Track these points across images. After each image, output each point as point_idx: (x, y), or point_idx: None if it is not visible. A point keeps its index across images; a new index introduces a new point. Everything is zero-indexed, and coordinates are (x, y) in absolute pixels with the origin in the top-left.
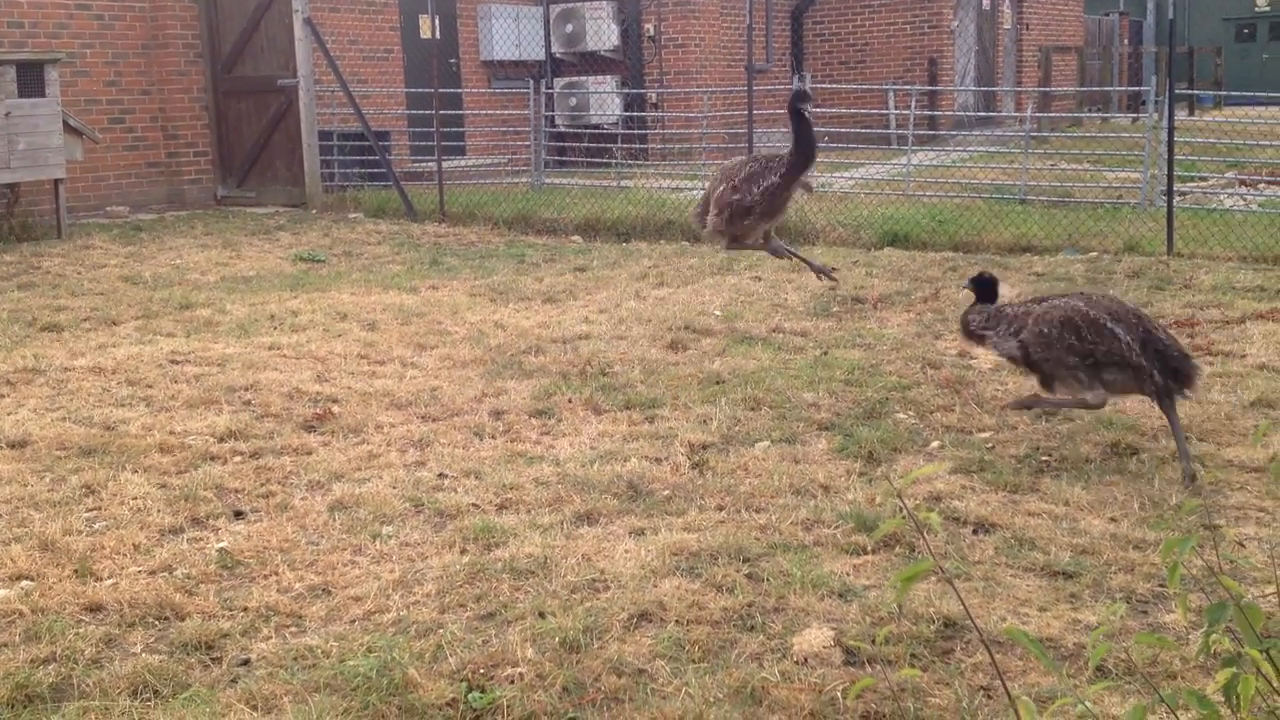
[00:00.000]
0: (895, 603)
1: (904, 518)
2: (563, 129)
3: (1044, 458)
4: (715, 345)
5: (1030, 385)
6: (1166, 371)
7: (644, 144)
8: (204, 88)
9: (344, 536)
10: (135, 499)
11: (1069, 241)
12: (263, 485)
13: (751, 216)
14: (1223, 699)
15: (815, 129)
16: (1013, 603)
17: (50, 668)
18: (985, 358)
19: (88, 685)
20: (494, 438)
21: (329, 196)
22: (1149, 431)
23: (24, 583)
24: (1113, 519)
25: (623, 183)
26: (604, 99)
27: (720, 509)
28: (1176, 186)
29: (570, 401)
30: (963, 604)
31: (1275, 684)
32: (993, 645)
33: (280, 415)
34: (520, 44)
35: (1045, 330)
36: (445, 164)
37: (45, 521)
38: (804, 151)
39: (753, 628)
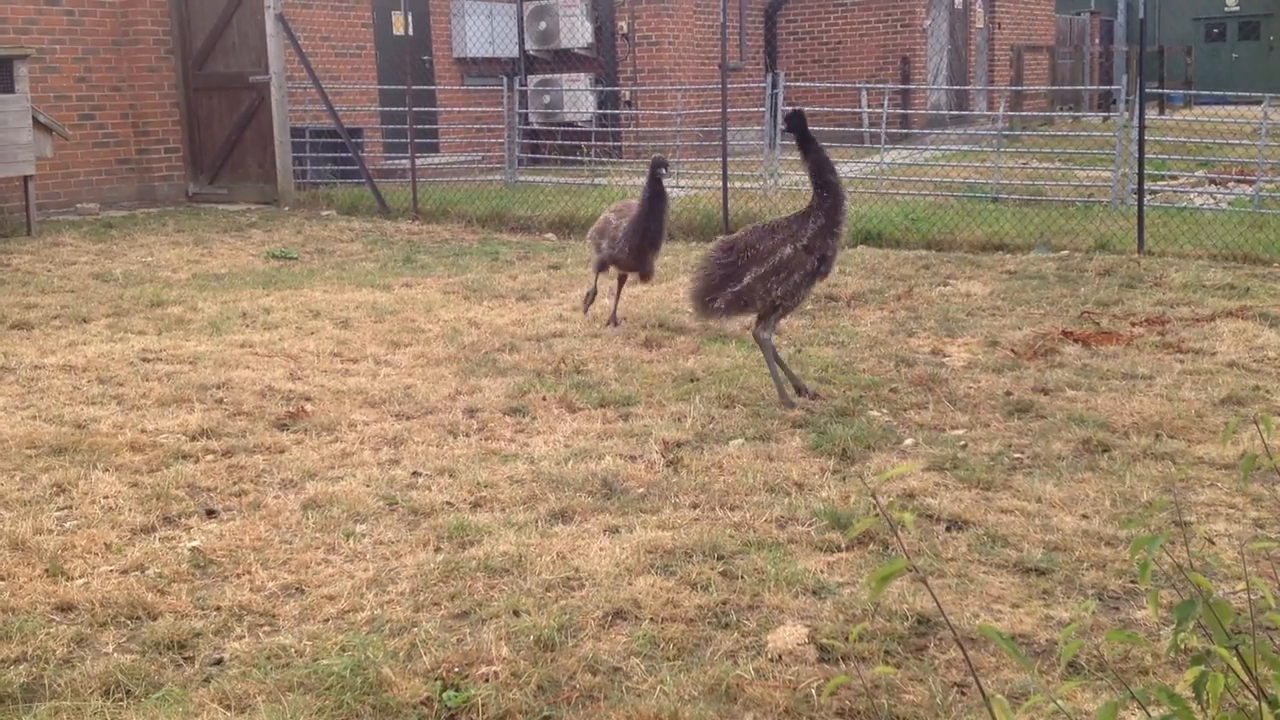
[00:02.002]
0: (870, 601)
1: (878, 516)
2: (536, 126)
3: (1016, 455)
4: (689, 343)
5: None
6: None
7: (618, 142)
8: (175, 84)
9: (317, 535)
10: (106, 498)
11: (1041, 240)
12: (235, 484)
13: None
14: (1193, 696)
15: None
16: (985, 600)
17: (21, 668)
18: (958, 356)
19: (59, 685)
20: (468, 436)
21: (301, 194)
22: (1120, 429)
23: None
24: (1084, 516)
25: (597, 180)
26: (578, 96)
27: (695, 507)
28: (1147, 185)
29: (544, 399)
30: (936, 602)
31: (1245, 680)
32: (966, 642)
33: (253, 413)
34: (494, 41)
35: None
36: (419, 161)
37: (15, 521)
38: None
39: (727, 625)
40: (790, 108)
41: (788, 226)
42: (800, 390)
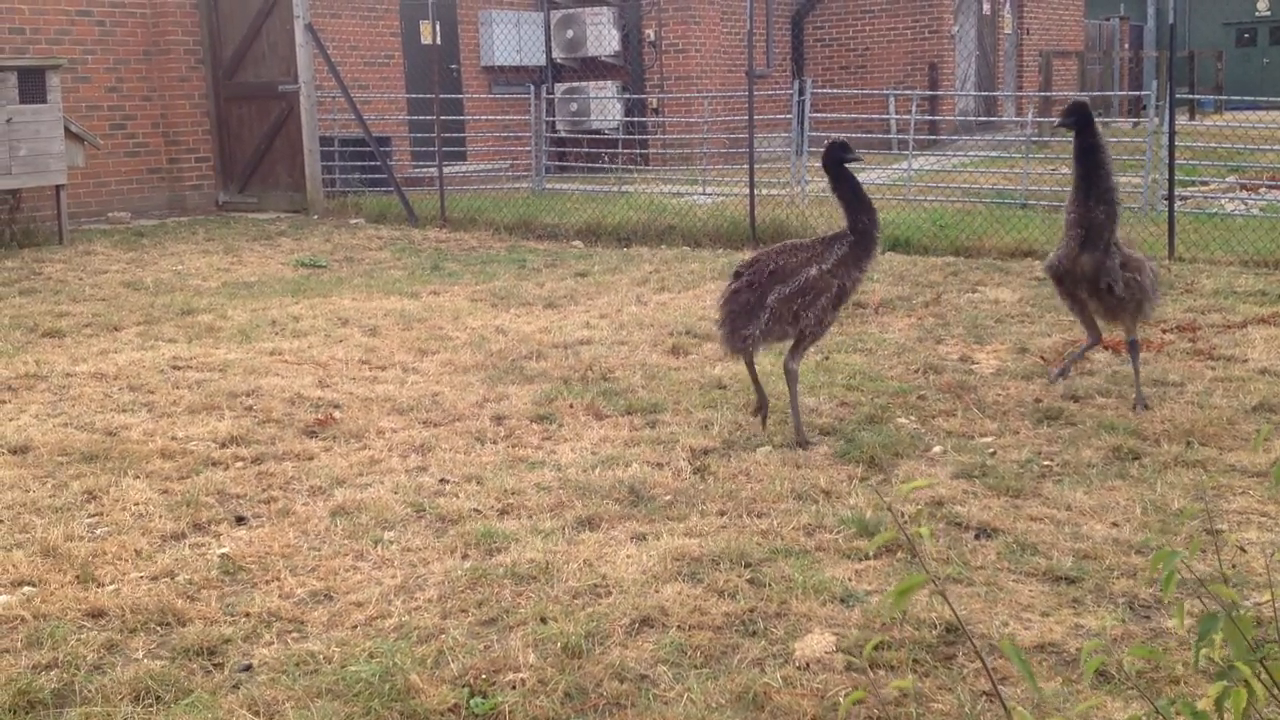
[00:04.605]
0: (892, 616)
1: (900, 529)
2: (563, 134)
3: (1045, 462)
4: (716, 350)
5: None
6: None
7: (645, 149)
8: (205, 93)
9: (345, 542)
10: (137, 505)
11: None
12: (264, 491)
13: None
14: (1216, 710)
15: (817, 133)
16: (1015, 608)
17: (52, 673)
18: (987, 363)
19: (90, 691)
20: (495, 443)
21: (330, 202)
22: (1151, 436)
23: (26, 588)
24: (1114, 524)
25: (623, 188)
26: (605, 104)
27: (722, 514)
28: (1177, 191)
29: (571, 406)
30: (955, 615)
31: (1272, 694)
32: (992, 651)
33: (282, 421)
34: (521, 49)
35: None
36: (446, 169)
37: (47, 527)
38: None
39: (754, 633)
40: (832, 142)
41: (811, 248)
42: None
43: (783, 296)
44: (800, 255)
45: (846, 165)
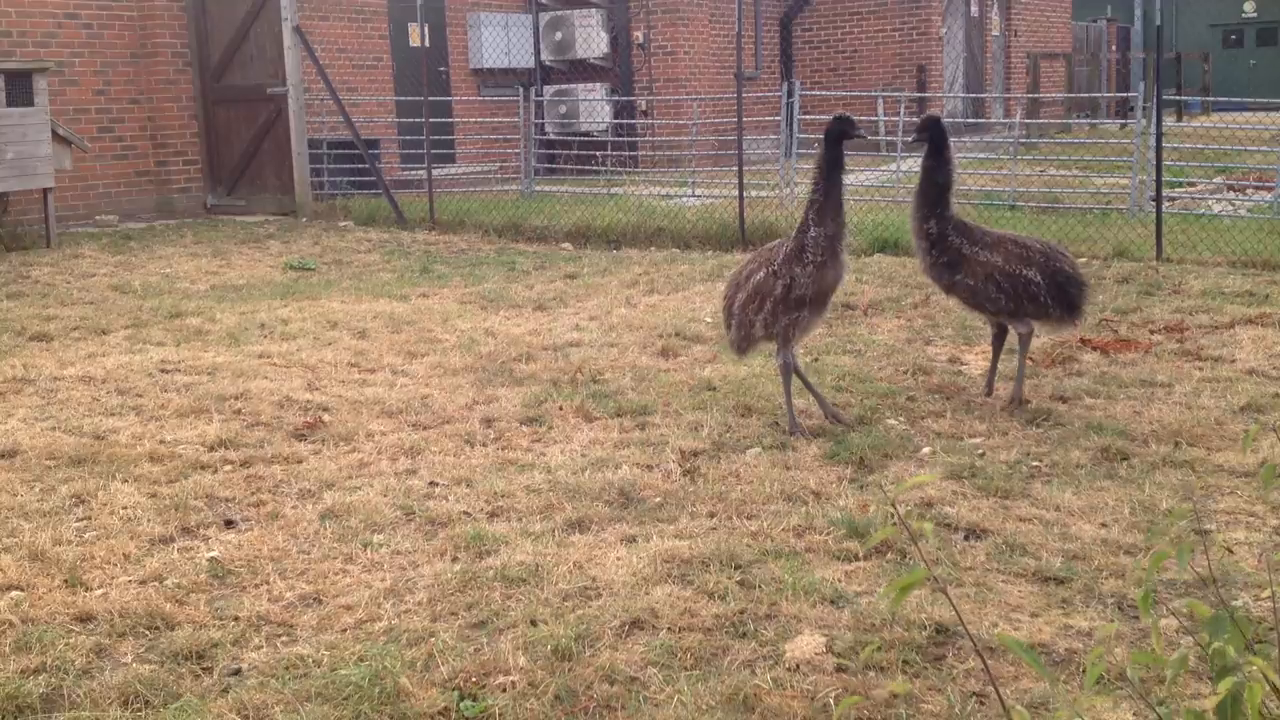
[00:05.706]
0: (889, 611)
1: (895, 526)
2: (553, 136)
3: (1034, 463)
4: (706, 352)
5: None
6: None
7: (634, 151)
8: (193, 96)
9: (335, 545)
10: (125, 508)
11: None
12: (253, 494)
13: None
14: (1214, 714)
15: (805, 135)
16: (1004, 608)
17: (40, 678)
18: (975, 364)
19: (78, 695)
20: (485, 445)
21: (319, 205)
22: (1139, 437)
23: (14, 593)
24: (1103, 524)
25: (613, 190)
26: (594, 106)
27: (712, 516)
28: (1165, 192)
29: (561, 409)
30: (956, 612)
31: (1273, 690)
32: (984, 652)
33: (271, 424)
34: (510, 52)
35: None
36: (435, 172)
37: (35, 531)
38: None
39: (745, 635)
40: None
41: (772, 248)
42: (833, 417)
43: (740, 302)
44: (763, 256)
45: (846, 144)
